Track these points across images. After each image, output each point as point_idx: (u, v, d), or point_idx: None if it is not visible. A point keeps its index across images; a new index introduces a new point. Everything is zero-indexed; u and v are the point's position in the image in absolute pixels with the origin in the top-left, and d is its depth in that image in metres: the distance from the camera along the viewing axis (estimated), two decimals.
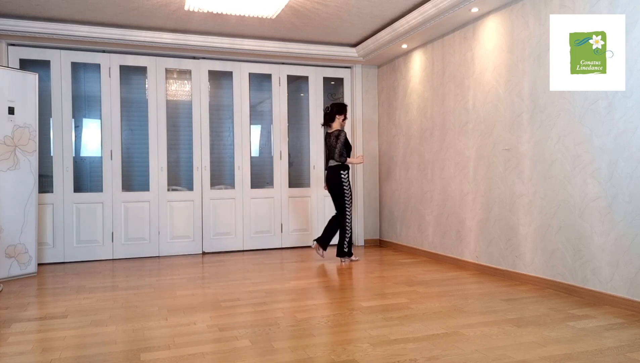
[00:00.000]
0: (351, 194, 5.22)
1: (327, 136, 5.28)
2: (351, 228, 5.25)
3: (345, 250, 5.20)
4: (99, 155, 5.71)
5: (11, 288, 4.25)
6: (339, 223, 5.24)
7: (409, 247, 5.84)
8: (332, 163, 5.19)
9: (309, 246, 6.29)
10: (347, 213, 5.18)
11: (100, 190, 5.63)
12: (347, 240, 5.19)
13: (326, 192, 6.38)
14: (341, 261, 5.24)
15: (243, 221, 6.13)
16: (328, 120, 5.24)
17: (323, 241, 5.29)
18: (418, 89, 5.66)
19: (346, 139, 5.13)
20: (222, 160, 6.33)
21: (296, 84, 6.65)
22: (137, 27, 5.30)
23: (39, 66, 5.37)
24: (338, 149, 5.06)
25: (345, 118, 5.27)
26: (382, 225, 6.55)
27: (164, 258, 5.69)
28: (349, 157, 5.18)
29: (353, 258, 5.28)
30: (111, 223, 5.64)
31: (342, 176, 5.14)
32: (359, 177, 6.50)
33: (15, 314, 3.39)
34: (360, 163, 5.53)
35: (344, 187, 5.15)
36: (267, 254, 5.90)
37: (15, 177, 4.63)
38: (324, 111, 5.37)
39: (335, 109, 5.22)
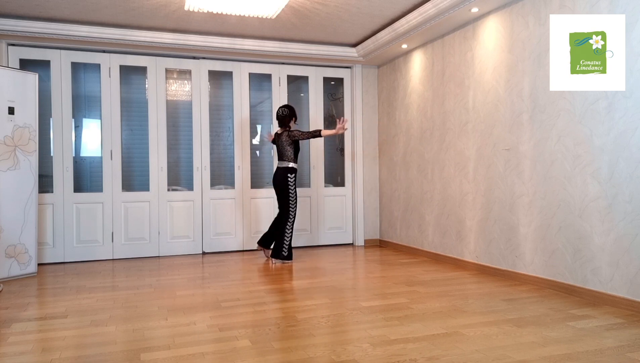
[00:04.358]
0: (296, 197, 5.21)
1: (277, 137, 5.30)
2: (292, 232, 5.22)
3: (285, 253, 5.16)
4: (99, 155, 5.70)
5: (11, 288, 4.25)
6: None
7: (409, 247, 5.84)
8: (281, 163, 5.23)
9: (309, 246, 6.29)
10: (291, 215, 5.19)
11: (100, 190, 5.63)
12: (286, 242, 5.16)
13: (326, 191, 6.44)
14: (273, 262, 5.21)
15: (243, 221, 6.13)
16: (287, 122, 5.24)
17: (266, 243, 5.42)
18: (418, 89, 5.66)
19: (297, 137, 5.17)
20: (222, 160, 6.33)
21: (296, 84, 6.65)
22: (137, 27, 5.30)
23: (39, 66, 5.37)
24: (303, 133, 5.12)
25: (295, 120, 5.34)
26: (382, 225, 6.55)
27: (164, 258, 5.69)
28: (296, 159, 5.21)
29: (288, 262, 5.21)
30: (111, 223, 5.64)
31: (290, 178, 5.15)
32: (358, 177, 6.50)
33: (15, 314, 3.39)
34: (336, 133, 5.12)
35: (290, 189, 5.16)
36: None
37: (15, 177, 4.63)
38: (278, 113, 5.26)
39: (289, 113, 5.24)
